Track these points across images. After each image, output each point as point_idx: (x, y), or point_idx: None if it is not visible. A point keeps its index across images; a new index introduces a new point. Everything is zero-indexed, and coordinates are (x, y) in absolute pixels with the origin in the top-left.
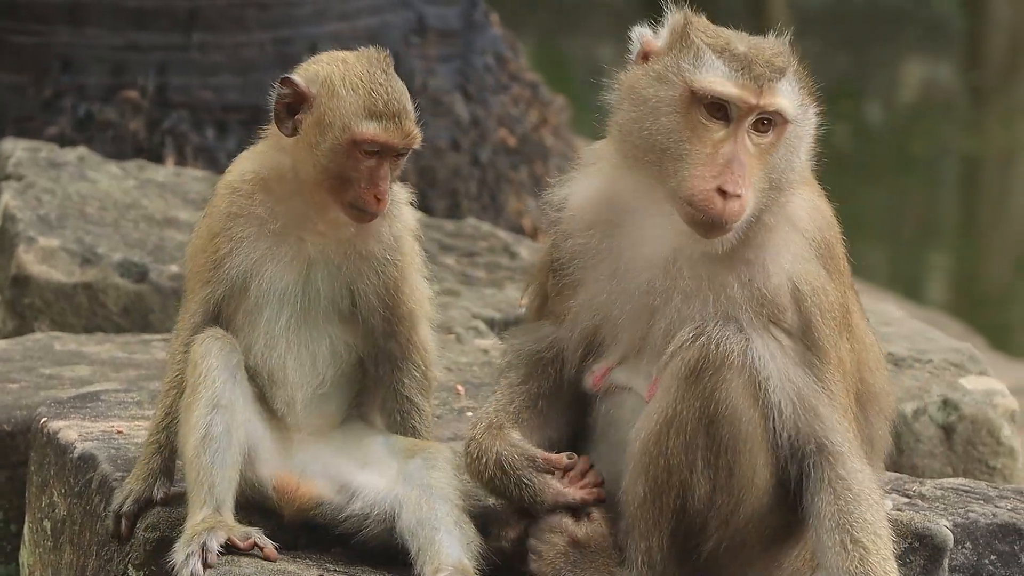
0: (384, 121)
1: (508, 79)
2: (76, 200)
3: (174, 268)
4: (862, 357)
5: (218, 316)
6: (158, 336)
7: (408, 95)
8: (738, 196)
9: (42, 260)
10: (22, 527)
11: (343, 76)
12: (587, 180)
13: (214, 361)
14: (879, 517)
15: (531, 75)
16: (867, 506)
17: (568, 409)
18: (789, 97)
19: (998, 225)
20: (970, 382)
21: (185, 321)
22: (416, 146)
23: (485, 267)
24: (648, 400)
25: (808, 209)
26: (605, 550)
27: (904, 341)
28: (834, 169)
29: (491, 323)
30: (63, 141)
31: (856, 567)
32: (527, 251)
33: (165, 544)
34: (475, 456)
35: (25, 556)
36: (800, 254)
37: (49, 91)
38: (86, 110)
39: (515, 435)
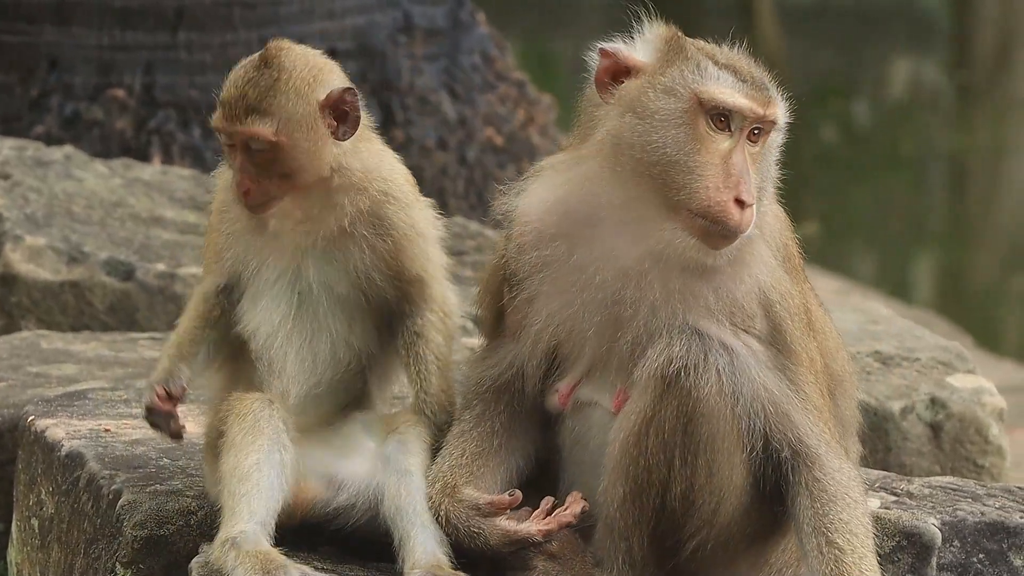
0: (220, 108)
1: (495, 78)
2: (63, 199)
3: (160, 267)
4: (824, 345)
5: (230, 295)
6: (144, 335)
7: (271, 86)
8: (751, 205)
9: (29, 259)
10: (10, 525)
11: None
12: (543, 190)
13: (269, 417)
14: (855, 516)
15: (518, 74)
16: (843, 506)
17: (535, 429)
18: (782, 107)
19: (986, 223)
20: (958, 380)
21: (197, 292)
22: (250, 134)
23: (472, 266)
24: (615, 412)
25: (767, 215)
26: (579, 554)
27: (892, 339)
28: (822, 168)
29: (478, 321)
30: (50, 140)
31: (831, 569)
32: None
33: (153, 542)
34: (433, 516)
35: (13, 554)
36: (766, 261)
37: (36, 90)
38: (73, 109)
39: (466, 490)
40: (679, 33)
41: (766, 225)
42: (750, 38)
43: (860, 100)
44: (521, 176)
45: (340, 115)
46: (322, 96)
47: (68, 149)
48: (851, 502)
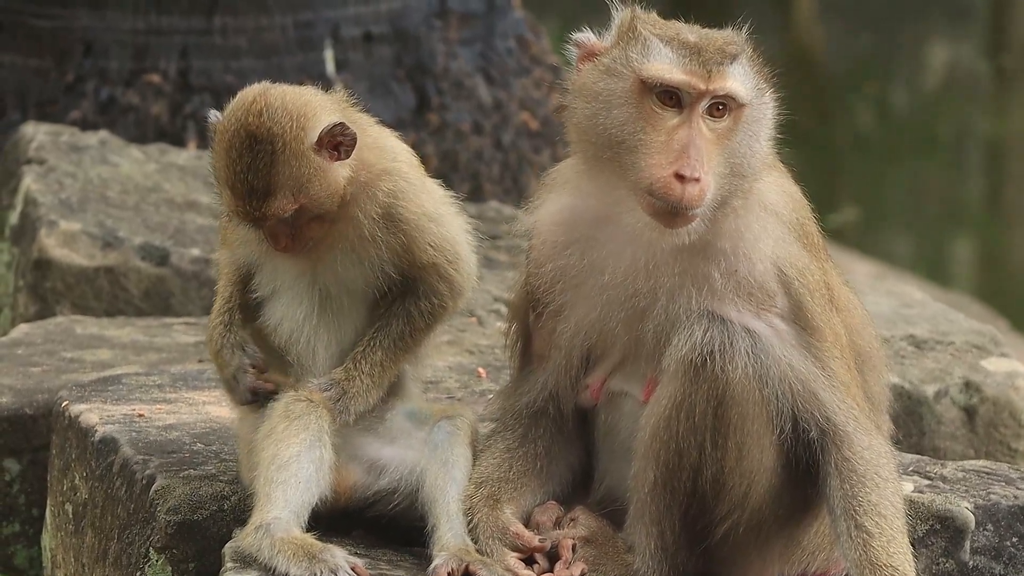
0: (233, 198)
1: (530, 62)
2: (97, 184)
3: (195, 252)
4: (849, 322)
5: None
6: (179, 320)
7: (270, 164)
8: (696, 180)
9: (63, 244)
10: (44, 511)
11: None
12: (554, 202)
13: (316, 417)
14: (885, 496)
15: (553, 58)
16: (872, 487)
17: (572, 454)
18: (741, 81)
19: (1022, 207)
20: (992, 364)
21: (226, 260)
22: (272, 215)
23: (507, 250)
24: (645, 401)
25: (778, 193)
26: (612, 538)
27: (926, 323)
28: (859, 152)
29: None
30: (85, 125)
31: (860, 555)
32: None
33: (186, 528)
34: (465, 515)
35: (47, 539)
36: (779, 238)
37: (71, 75)
38: (108, 94)
39: (507, 508)
40: (637, 14)
41: (773, 202)
42: (787, 23)
43: (897, 84)
44: (536, 190)
45: (335, 145)
46: (315, 140)
47: (103, 134)
48: (880, 481)
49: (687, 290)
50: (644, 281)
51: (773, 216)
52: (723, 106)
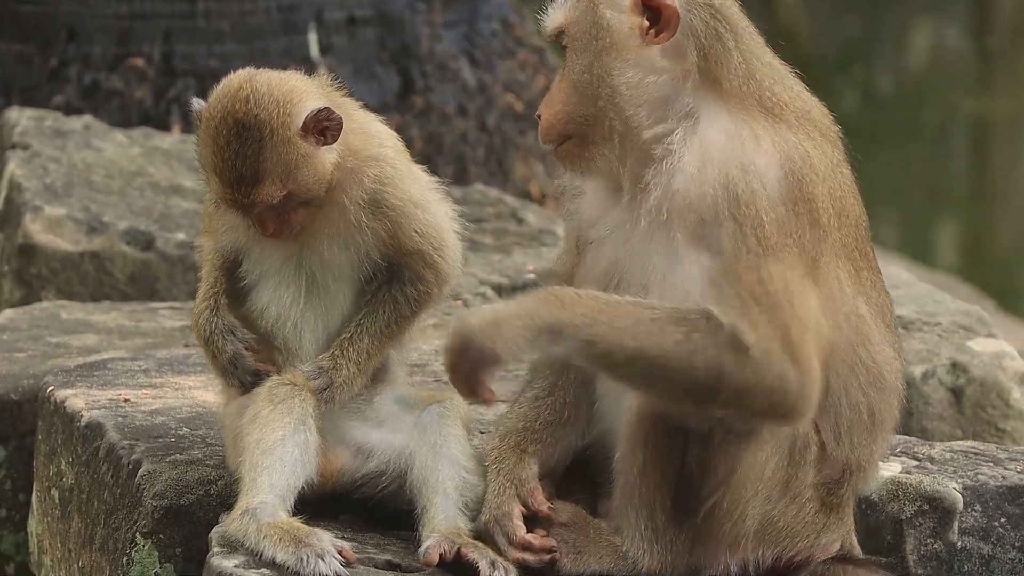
0: (221, 185)
1: (514, 44)
2: (82, 169)
3: (180, 236)
4: (858, 327)
5: (237, 273)
6: (164, 304)
7: (258, 151)
8: (539, 117)
9: (48, 229)
10: (30, 496)
11: None
12: None
13: (301, 401)
14: None
15: (537, 40)
16: None
17: (592, 404)
18: (555, 10)
19: (1008, 188)
20: (979, 344)
21: (209, 247)
22: (261, 201)
23: (492, 233)
24: None
25: (750, 131)
26: (591, 522)
27: (912, 304)
28: (845, 134)
29: (499, 289)
30: (69, 110)
31: None
32: (534, 216)
33: (173, 512)
34: (487, 465)
35: (33, 525)
36: (729, 162)
37: (55, 60)
38: (92, 79)
39: (532, 462)
40: None
41: (721, 139)
42: (771, 6)
43: (882, 67)
44: None
45: (321, 131)
46: (300, 126)
47: (87, 119)
48: None
49: (644, 202)
50: (623, 219)
51: (726, 146)
52: (564, 43)
